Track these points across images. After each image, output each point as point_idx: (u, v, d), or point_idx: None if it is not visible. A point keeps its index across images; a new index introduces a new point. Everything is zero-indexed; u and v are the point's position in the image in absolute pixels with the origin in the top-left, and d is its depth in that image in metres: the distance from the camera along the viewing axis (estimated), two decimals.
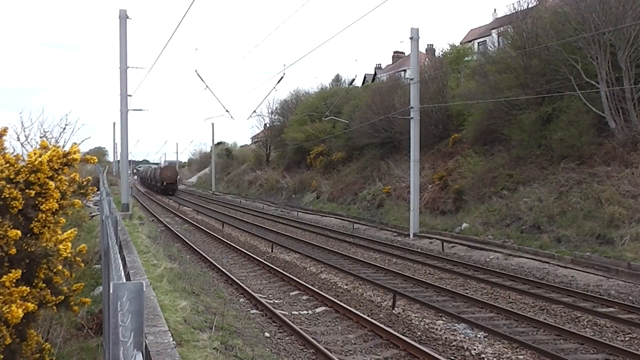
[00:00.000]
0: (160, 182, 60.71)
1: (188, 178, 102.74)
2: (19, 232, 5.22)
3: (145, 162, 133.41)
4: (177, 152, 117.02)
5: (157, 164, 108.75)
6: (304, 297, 14.70)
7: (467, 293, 14.80)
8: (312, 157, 47.80)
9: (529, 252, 19.52)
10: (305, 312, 13.33)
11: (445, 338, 11.09)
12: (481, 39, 47.08)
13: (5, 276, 5.07)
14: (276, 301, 14.28)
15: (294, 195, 46.62)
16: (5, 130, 6.20)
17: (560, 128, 23.18)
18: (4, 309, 4.97)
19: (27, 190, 5.50)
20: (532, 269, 17.78)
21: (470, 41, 48.00)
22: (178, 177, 64.52)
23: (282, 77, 30.08)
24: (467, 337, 11.10)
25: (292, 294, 15.20)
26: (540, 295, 14.38)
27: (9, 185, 5.37)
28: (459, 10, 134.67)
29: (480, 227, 23.43)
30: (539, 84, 24.53)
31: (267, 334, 11.25)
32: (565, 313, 12.92)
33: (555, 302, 13.69)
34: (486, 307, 13.36)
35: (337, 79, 60.80)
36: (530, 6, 28.29)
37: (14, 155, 6.04)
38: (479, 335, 11.20)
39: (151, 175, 66.84)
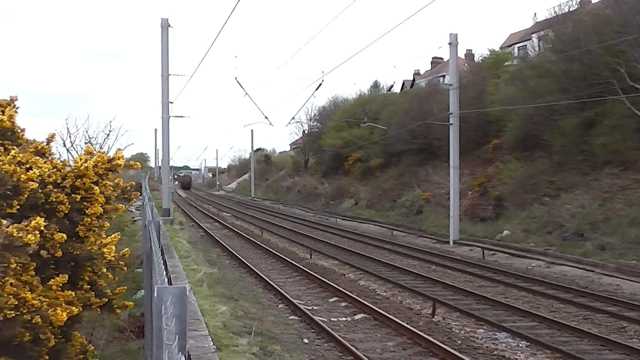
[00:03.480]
0: (182, 183, 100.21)
1: (227, 184, 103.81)
2: (64, 235, 5.34)
3: (186, 167, 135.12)
4: (217, 158, 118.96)
5: (197, 169, 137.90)
6: (343, 304, 14.66)
7: (508, 301, 14.56)
8: (349, 164, 47.77)
9: (572, 260, 19.13)
10: (344, 318, 13.29)
11: (486, 347, 10.93)
12: (521, 44, 46.40)
13: (52, 280, 5.19)
14: (315, 307, 14.27)
15: (331, 202, 46.63)
16: (52, 136, 6.37)
17: (603, 133, 22.72)
18: (49, 312, 5.08)
19: (73, 195, 5.63)
20: (575, 277, 17.42)
21: (510, 46, 47.37)
22: (192, 180, 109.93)
23: (320, 84, 30.06)
24: (508, 347, 10.92)
25: (330, 300, 15.18)
26: (584, 304, 14.07)
27: (55, 190, 5.50)
28: (499, 15, 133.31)
29: (521, 235, 23.07)
30: (581, 88, 24.06)
31: (305, 340, 11.25)
32: (610, 323, 12.61)
33: (599, 312, 13.37)
34: (528, 316, 13.12)
35: (376, 85, 60.63)
36: (571, 9, 27.84)
37: (61, 161, 6.19)
38: (520, 345, 11.00)
39: (180, 179, 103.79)
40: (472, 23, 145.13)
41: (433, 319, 12.96)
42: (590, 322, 12.71)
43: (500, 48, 44.36)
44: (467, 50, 49.82)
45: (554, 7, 29.87)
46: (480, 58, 40.97)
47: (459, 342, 11.29)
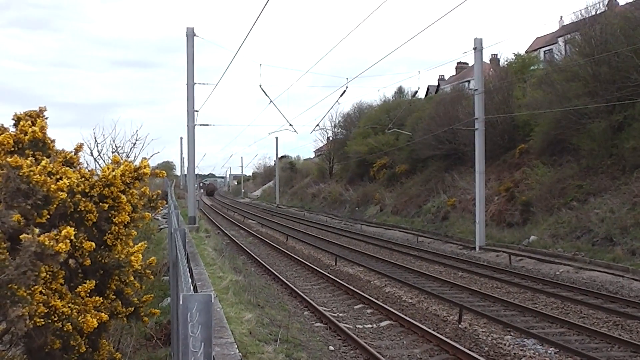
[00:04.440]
0: (207, 190, 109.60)
1: (252, 191, 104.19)
2: (93, 244, 5.42)
3: (212, 175, 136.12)
4: (242, 166, 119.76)
5: (222, 177, 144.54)
6: (368, 311, 14.63)
7: (536, 307, 14.41)
8: (375, 170, 47.66)
9: (602, 265, 18.84)
10: (370, 325, 13.26)
11: (514, 354, 10.81)
12: (547, 47, 46.00)
13: (80, 287, 5.27)
14: (340, 314, 14.26)
15: (357, 208, 46.53)
16: (80, 146, 6.47)
17: (633, 136, 22.36)
18: (79, 319, 5.16)
19: (100, 204, 5.71)
20: (605, 283, 17.15)
21: (536, 50, 46.97)
22: (217, 188, 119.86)
23: (344, 91, 29.97)
24: (537, 353, 10.79)
25: (356, 307, 15.15)
26: (614, 309, 13.85)
27: (84, 199, 5.59)
28: (524, 19, 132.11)
29: (549, 240, 22.78)
30: (609, 91, 23.72)
31: (331, 347, 11.24)
32: None
33: (630, 317, 13.15)
34: (556, 322, 12.96)
35: (400, 91, 60.39)
36: (598, 12, 27.47)
37: (89, 170, 6.29)
38: (549, 351, 10.87)
39: (205, 186, 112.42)
40: (497, 28, 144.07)
41: (460, 326, 12.86)
42: (621, 328, 12.52)
43: (526, 52, 43.96)
44: (492, 55, 49.51)
45: (580, 10, 29.47)
46: (506, 62, 40.61)
47: (487, 348, 11.19)
